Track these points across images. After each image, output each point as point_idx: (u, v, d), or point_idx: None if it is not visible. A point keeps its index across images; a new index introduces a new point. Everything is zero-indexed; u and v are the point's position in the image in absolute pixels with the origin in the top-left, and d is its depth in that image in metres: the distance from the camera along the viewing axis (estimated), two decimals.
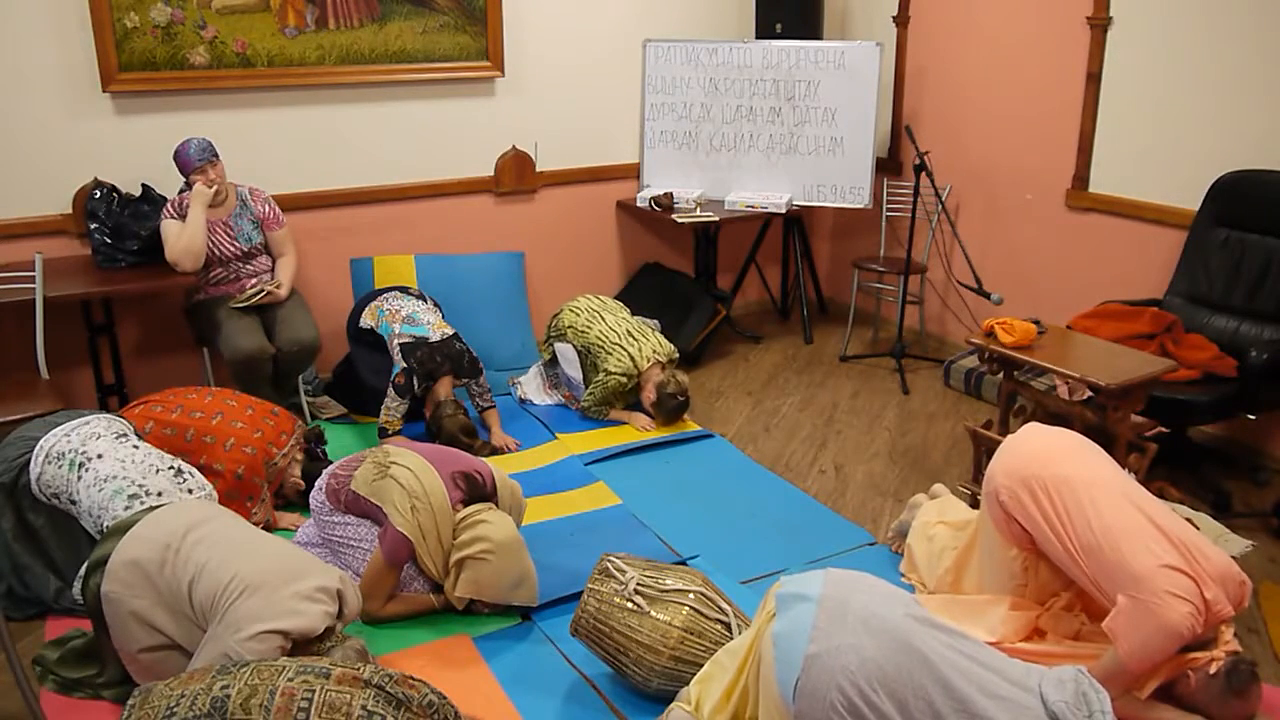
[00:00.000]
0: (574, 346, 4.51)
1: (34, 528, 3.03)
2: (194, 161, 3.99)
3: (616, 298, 5.45)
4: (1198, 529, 2.65)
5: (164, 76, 4.21)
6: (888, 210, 5.50)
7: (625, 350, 4.36)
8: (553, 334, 4.63)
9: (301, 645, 2.37)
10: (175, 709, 1.95)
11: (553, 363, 4.67)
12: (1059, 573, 2.79)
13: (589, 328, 4.47)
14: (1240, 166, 3.97)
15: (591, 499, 3.79)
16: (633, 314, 4.69)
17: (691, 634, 2.59)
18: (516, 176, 5.16)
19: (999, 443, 3.04)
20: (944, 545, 3.16)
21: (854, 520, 3.70)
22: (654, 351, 4.39)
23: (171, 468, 3.03)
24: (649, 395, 4.36)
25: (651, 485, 3.92)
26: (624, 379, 4.34)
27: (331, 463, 3.36)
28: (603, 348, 4.39)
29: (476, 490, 3.06)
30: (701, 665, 2.53)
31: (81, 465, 2.94)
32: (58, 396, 3.62)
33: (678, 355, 4.54)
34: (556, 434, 4.34)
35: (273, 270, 4.31)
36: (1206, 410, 3.66)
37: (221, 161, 4.07)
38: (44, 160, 4.08)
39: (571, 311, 4.57)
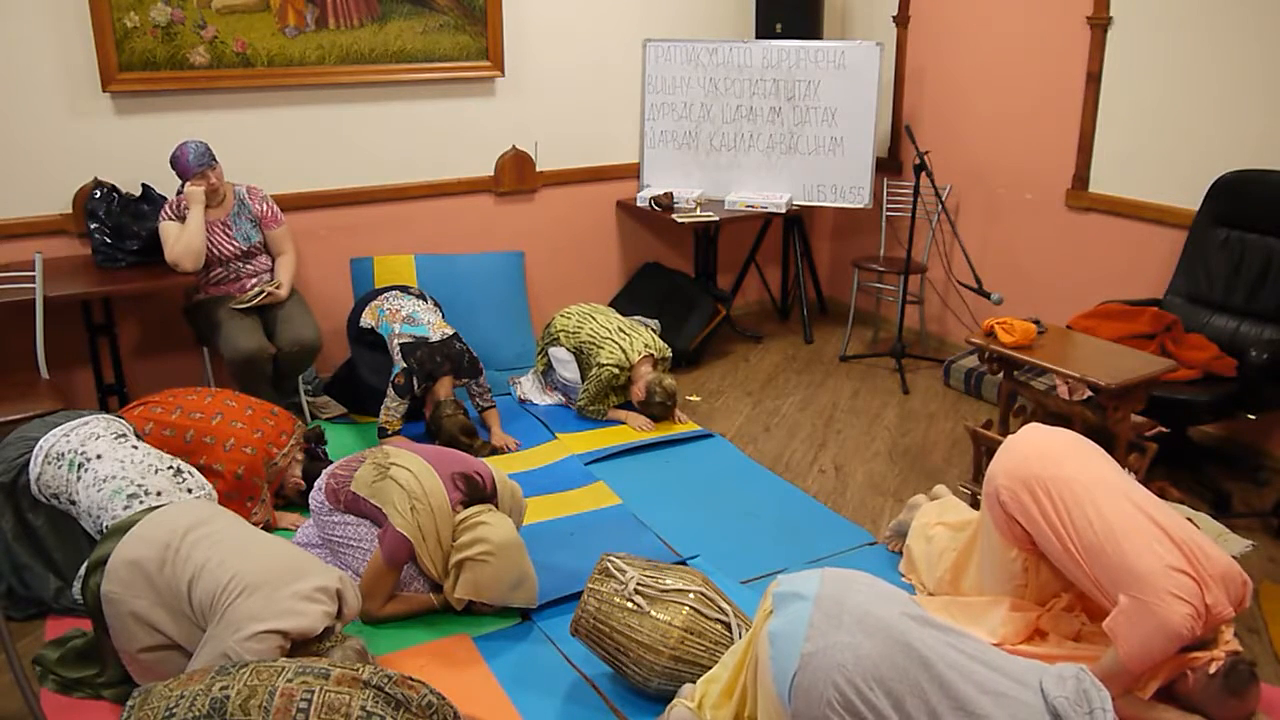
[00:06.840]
0: (567, 349, 4.52)
1: (34, 528, 3.03)
2: (193, 169, 3.98)
3: (616, 297, 5.49)
4: (1198, 529, 2.65)
5: (164, 76, 4.21)
6: (888, 210, 5.50)
7: (617, 344, 4.39)
8: (546, 341, 4.64)
9: (301, 645, 2.37)
10: (174, 710, 1.95)
11: (548, 372, 4.67)
12: (1059, 574, 2.79)
13: (580, 328, 4.50)
14: (1240, 166, 3.96)
15: (591, 499, 3.79)
16: (633, 314, 4.69)
17: (692, 634, 2.59)
18: (516, 176, 5.16)
19: (999, 443, 3.04)
20: (943, 546, 3.16)
21: (854, 520, 3.70)
22: (645, 346, 4.42)
23: (171, 467, 3.03)
24: (639, 393, 4.39)
25: (651, 485, 3.92)
26: (616, 370, 4.35)
27: (331, 463, 3.36)
28: (594, 343, 4.43)
29: (476, 491, 3.06)
30: (701, 665, 2.54)
31: (81, 465, 2.94)
32: (58, 396, 3.62)
33: (670, 353, 4.55)
34: (556, 434, 4.35)
35: (272, 269, 4.30)
36: (1206, 410, 3.66)
37: (219, 164, 4.07)
38: (44, 160, 4.08)
39: (563, 316, 4.61)
